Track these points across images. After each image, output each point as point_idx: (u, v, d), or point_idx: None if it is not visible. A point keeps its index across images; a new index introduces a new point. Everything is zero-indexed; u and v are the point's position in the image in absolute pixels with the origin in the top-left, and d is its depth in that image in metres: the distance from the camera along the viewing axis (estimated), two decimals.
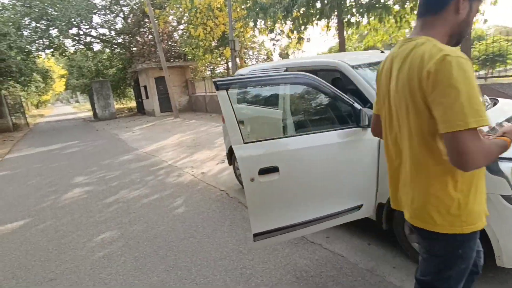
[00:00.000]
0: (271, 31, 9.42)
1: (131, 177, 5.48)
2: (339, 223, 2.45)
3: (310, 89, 2.54)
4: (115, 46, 21.60)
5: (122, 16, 20.58)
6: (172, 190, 4.59)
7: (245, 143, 2.08)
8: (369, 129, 2.36)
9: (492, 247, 1.90)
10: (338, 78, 3.90)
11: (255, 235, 2.19)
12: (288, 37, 9.31)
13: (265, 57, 27.43)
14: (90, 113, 23.53)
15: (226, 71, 16.77)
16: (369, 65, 2.71)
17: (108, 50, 22.41)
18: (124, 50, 20.77)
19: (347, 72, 2.60)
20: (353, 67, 2.61)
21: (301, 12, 8.25)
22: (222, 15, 11.76)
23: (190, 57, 16.87)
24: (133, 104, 26.68)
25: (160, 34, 15.74)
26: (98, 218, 3.79)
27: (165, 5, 16.92)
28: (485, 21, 7.19)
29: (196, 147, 7.49)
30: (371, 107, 2.37)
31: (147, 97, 17.12)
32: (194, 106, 16.93)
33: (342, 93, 2.33)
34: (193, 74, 18.60)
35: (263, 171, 2.10)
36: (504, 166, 1.79)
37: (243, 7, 9.49)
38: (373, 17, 7.85)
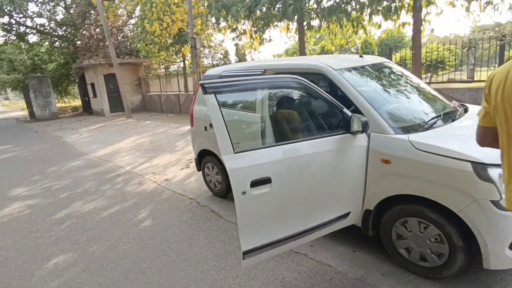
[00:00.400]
0: (234, 30, 9.20)
1: (84, 187, 4.89)
2: (327, 233, 2.37)
3: (295, 94, 2.42)
4: (56, 39, 19.56)
5: (63, 5, 18.71)
6: (134, 201, 4.17)
7: (235, 152, 1.87)
8: (359, 135, 2.32)
9: (477, 249, 1.95)
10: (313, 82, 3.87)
11: (245, 252, 2.00)
12: (251, 37, 9.19)
13: (222, 56, 27.09)
14: (25, 113, 21.00)
15: (182, 70, 16.12)
16: (353, 69, 2.67)
17: (47, 43, 20.21)
18: (66, 43, 18.89)
19: (331, 76, 2.53)
20: (337, 71, 2.54)
21: (263, 12, 8.18)
22: (179, 11, 11.23)
23: (143, 54, 15.90)
24: (77, 103, 24.46)
25: (110, 28, 14.56)
26: (47, 239, 3.27)
27: None
28: (432, 30, 7.82)
29: (155, 151, 7.00)
30: (354, 111, 2.32)
31: (95, 96, 15.76)
32: (148, 106, 16.01)
33: (333, 99, 2.24)
34: (146, 72, 17.57)
35: (255, 183, 1.92)
36: (492, 172, 1.84)
37: (205, 4, 9.12)
38: (333, 22, 8.07)
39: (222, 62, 27.48)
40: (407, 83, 2.88)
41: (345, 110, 2.26)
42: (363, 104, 2.34)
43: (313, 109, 2.48)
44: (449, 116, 2.53)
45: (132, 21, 19.07)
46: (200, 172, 4.29)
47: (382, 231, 2.40)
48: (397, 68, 3.08)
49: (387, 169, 2.21)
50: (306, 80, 2.17)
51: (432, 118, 2.42)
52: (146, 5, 10.86)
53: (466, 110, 2.75)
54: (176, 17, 11.48)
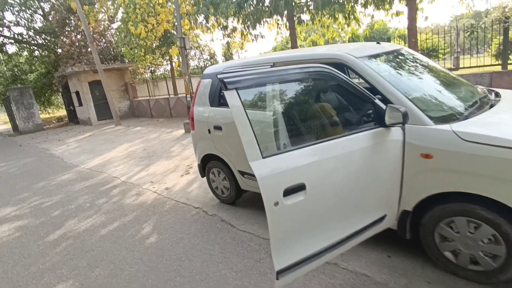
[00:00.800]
0: (225, 28, 8.88)
1: (77, 202, 4.52)
2: (363, 240, 2.12)
3: (322, 85, 2.16)
4: (35, 48, 18.80)
5: (41, 13, 17.98)
6: (135, 214, 3.84)
7: (264, 157, 1.59)
8: (393, 129, 2.08)
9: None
10: None
11: (279, 272, 1.73)
12: (242, 34, 8.90)
13: (208, 57, 26.69)
14: (8, 126, 20.18)
15: (170, 73, 15.69)
16: (374, 56, 2.43)
17: (26, 53, 19.41)
18: (47, 52, 18.17)
19: (353, 65, 2.28)
20: (359, 58, 2.30)
21: (252, 8, 7.90)
22: (164, 11, 10.83)
23: (128, 59, 15.40)
24: (62, 112, 23.68)
25: (92, 33, 14.01)
26: (42, 265, 2.92)
27: (95, 1, 15.17)
28: (426, 18, 7.69)
29: (150, 158, 6.65)
30: (383, 101, 2.08)
31: (80, 104, 15.17)
32: (137, 112, 15.52)
33: (364, 89, 1.99)
34: (133, 76, 17.06)
35: (288, 191, 1.65)
36: None
37: (192, 2, 8.76)
38: (326, 14, 7.86)
39: (209, 63, 27.10)
40: (431, 69, 2.65)
41: (377, 101, 2.02)
42: (393, 93, 2.10)
43: (342, 101, 2.23)
44: (485, 102, 2.31)
45: (114, 25, 18.52)
46: (204, 178, 4.00)
47: (422, 233, 2.17)
48: (416, 55, 2.86)
49: (428, 165, 1.97)
50: (334, 69, 1.91)
51: (470, 106, 2.20)
52: (130, 7, 10.41)
53: (497, 95, 2.55)
54: (161, 18, 11.07)
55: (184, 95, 13.42)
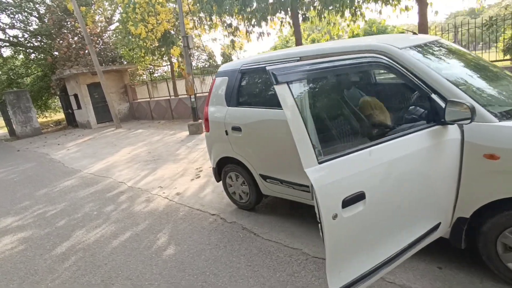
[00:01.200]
0: (229, 26, 8.64)
1: (83, 210, 4.26)
2: (416, 251, 1.89)
3: (370, 77, 1.93)
4: (31, 51, 18.44)
5: (37, 15, 17.64)
6: (147, 223, 3.59)
7: (320, 162, 1.36)
8: (451, 127, 1.86)
9: None
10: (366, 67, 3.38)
11: None
12: (246, 32, 8.67)
13: (207, 57, 26.42)
14: (5, 131, 19.79)
15: (170, 73, 15.41)
16: (416, 47, 2.20)
17: (22, 56, 19.05)
18: (43, 54, 17.82)
19: (397, 57, 2.04)
20: (402, 50, 2.07)
21: (259, 4, 7.66)
22: (164, 11, 10.57)
23: (127, 60, 15.11)
24: (60, 116, 23.33)
25: (89, 35, 13.72)
26: (51, 283, 2.66)
27: (92, 1, 14.87)
28: (436, 12, 7.50)
29: (156, 162, 6.39)
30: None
31: (79, 107, 14.86)
32: (137, 114, 15.23)
33: (419, 81, 1.76)
34: (131, 78, 16.76)
35: (347, 202, 1.42)
36: None
37: (193, 0, 8.50)
38: (333, 10, 7.65)
39: (208, 63, 26.85)
40: (476, 61, 2.43)
41: (434, 95, 1.79)
42: (447, 87, 1.87)
43: (395, 95, 2.00)
44: None
45: (112, 27, 18.22)
46: (217, 182, 3.76)
47: (482, 243, 1.94)
48: (456, 46, 2.64)
49: (494, 166, 1.75)
50: (389, 59, 1.68)
51: None
52: (129, 7, 10.15)
53: None
54: (161, 17, 10.82)
55: (186, 96, 13.22)
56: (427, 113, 1.84)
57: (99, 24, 17.17)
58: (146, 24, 10.15)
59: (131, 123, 13.84)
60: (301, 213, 3.23)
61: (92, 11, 14.40)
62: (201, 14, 8.58)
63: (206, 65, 25.42)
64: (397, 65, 1.76)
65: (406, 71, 1.85)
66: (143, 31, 10.04)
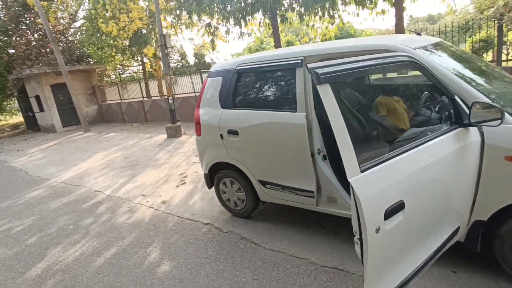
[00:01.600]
0: (208, 25, 8.35)
1: (57, 224, 3.85)
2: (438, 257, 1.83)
3: (396, 78, 1.84)
4: None
5: None
6: (134, 236, 3.29)
7: (362, 171, 1.23)
8: (472, 129, 1.81)
9: None
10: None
11: None
12: (227, 32, 8.46)
13: (179, 57, 25.74)
14: None
15: (142, 74, 14.77)
16: (426, 48, 2.15)
17: None
18: None
19: (415, 58, 1.98)
20: (417, 49, 2.01)
21: (238, 4, 7.50)
22: (137, 8, 10.06)
23: (95, 59, 14.26)
24: (18, 119, 21.59)
25: (52, 32, 12.76)
26: None
27: None
28: (411, 16, 7.77)
29: (134, 168, 6.00)
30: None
31: (41, 110, 13.76)
32: (107, 116, 14.41)
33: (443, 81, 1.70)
34: (100, 79, 15.86)
35: (389, 213, 1.30)
36: None
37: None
38: (312, 13, 7.67)
39: (180, 64, 26.18)
40: (483, 62, 2.45)
41: (457, 97, 1.73)
42: (465, 88, 1.82)
43: (421, 96, 1.92)
44: None
45: (77, 24, 17.15)
46: (209, 189, 3.55)
47: (498, 246, 1.92)
48: (457, 48, 2.65)
49: None
50: (417, 58, 1.59)
51: None
52: (98, 3, 9.53)
53: None
54: (134, 15, 10.29)
55: (160, 97, 12.71)
56: (448, 115, 1.79)
57: (62, 20, 16.10)
58: (117, 21, 9.59)
59: (101, 126, 13.06)
60: (301, 219, 3.11)
61: (55, 7, 13.40)
62: (178, 12, 8.22)
63: (178, 66, 24.78)
64: (426, 66, 1.69)
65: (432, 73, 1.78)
66: (114, 29, 9.48)
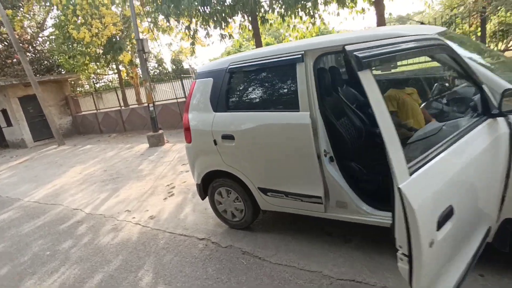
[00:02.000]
0: (188, 27, 8.03)
1: (31, 251, 3.42)
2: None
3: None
4: None
5: None
6: (121, 258, 2.94)
7: (410, 174, 1.02)
8: (499, 120, 1.66)
9: None
10: (334, 67, 3.15)
11: None
12: (208, 35, 8.18)
13: (156, 64, 25.16)
14: None
15: (118, 82, 14.19)
16: (442, 34, 2.00)
17: None
18: None
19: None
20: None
21: (220, 5, 7.26)
22: (110, 13, 9.59)
23: (67, 69, 13.55)
24: None
25: (19, 41, 12.00)
26: None
27: (21, 4, 13.10)
28: (390, 14, 7.84)
29: (116, 181, 5.58)
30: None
31: (9, 124, 12.84)
32: (82, 128, 13.69)
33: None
34: (72, 89, 15.09)
35: (441, 222, 1.09)
36: None
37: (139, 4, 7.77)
38: (293, 13, 7.56)
39: (158, 71, 25.56)
40: (490, 50, 2.33)
41: (484, 86, 1.57)
42: (490, 76, 1.68)
43: (450, 85, 1.75)
44: None
45: (45, 32, 16.31)
46: (202, 200, 3.27)
47: None
48: (462, 36, 2.53)
49: None
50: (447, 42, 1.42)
51: None
52: (68, 8, 9.00)
53: None
54: (107, 21, 9.82)
55: (138, 105, 12.21)
56: (473, 106, 1.62)
57: (29, 30, 15.26)
58: (89, 28, 9.09)
59: (76, 139, 12.36)
60: (304, 226, 2.89)
61: (21, 15, 12.64)
62: (154, 15, 7.88)
63: (156, 73, 24.18)
64: (456, 51, 1.52)
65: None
66: (86, 35, 8.97)
